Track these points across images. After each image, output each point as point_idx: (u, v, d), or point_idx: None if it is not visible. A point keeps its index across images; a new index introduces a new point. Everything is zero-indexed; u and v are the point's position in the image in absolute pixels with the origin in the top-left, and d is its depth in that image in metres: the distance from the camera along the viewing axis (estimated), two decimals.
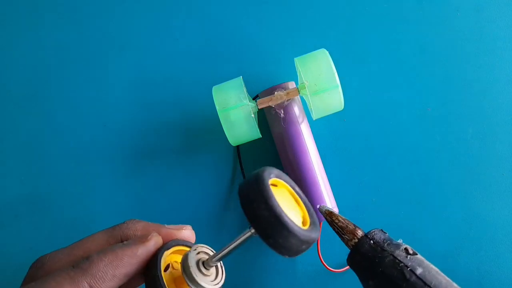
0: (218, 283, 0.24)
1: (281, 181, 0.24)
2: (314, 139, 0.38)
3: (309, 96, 0.34)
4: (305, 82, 0.34)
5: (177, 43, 0.42)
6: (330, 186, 0.38)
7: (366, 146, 0.40)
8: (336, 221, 0.29)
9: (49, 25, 0.43)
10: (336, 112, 0.37)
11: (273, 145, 0.39)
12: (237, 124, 0.35)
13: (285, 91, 0.36)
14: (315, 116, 0.36)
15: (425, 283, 0.24)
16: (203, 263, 0.24)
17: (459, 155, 0.40)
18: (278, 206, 0.20)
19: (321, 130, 0.41)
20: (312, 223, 0.23)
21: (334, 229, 0.29)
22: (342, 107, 0.36)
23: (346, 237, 0.28)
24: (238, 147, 0.40)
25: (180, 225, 0.27)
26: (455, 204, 0.40)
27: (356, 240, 0.27)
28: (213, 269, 0.25)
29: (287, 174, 0.38)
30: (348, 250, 0.28)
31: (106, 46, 0.43)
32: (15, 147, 0.42)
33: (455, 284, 0.24)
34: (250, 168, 0.40)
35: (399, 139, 0.40)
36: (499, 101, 0.40)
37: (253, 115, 0.34)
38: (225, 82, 0.36)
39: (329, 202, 0.37)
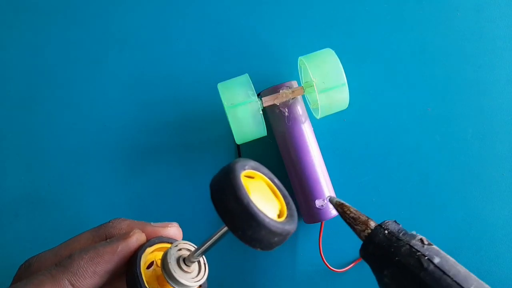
0: (199, 280, 0.24)
1: (258, 173, 0.23)
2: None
3: (317, 93, 0.34)
4: (314, 80, 0.34)
5: (178, 42, 0.42)
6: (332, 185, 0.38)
7: (366, 146, 0.40)
8: (348, 212, 0.28)
9: (49, 25, 0.43)
10: (337, 112, 0.37)
11: (274, 145, 0.39)
12: (245, 121, 0.34)
13: (290, 89, 0.36)
14: (320, 114, 0.36)
15: (444, 272, 0.23)
16: (184, 259, 0.24)
17: (459, 155, 0.40)
18: (247, 196, 0.19)
19: (321, 130, 0.41)
20: (289, 216, 0.22)
21: (345, 220, 0.28)
22: (347, 105, 0.36)
23: (359, 227, 0.27)
24: (239, 147, 0.40)
25: (166, 223, 0.27)
26: (455, 204, 0.40)
27: (369, 231, 0.26)
28: (195, 265, 0.24)
29: (290, 172, 0.38)
30: (357, 244, 0.27)
31: (106, 45, 0.43)
32: (15, 147, 0.42)
33: (473, 275, 0.24)
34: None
35: (399, 139, 0.40)
36: (499, 101, 0.40)
37: (261, 112, 0.34)
38: (230, 79, 0.36)
39: None
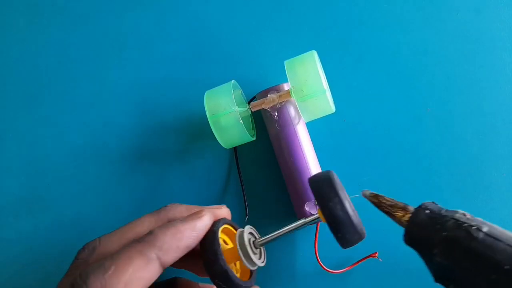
0: (262, 262, 0.28)
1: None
2: (313, 139, 0.38)
3: (296, 101, 0.34)
4: (292, 88, 0.34)
5: (175, 45, 0.42)
6: None
7: (366, 146, 0.40)
8: (384, 201, 0.28)
9: (49, 25, 0.43)
10: (336, 113, 0.37)
11: (271, 145, 0.39)
12: (227, 129, 0.35)
13: (277, 94, 0.36)
14: (306, 119, 0.36)
15: (495, 238, 0.22)
16: (253, 242, 0.28)
17: (459, 155, 0.40)
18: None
19: (320, 130, 0.41)
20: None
21: (383, 210, 0.28)
22: (333, 110, 0.35)
23: (398, 214, 0.27)
24: (235, 148, 0.40)
25: (218, 205, 0.29)
26: (455, 204, 0.40)
27: (410, 215, 0.26)
28: (259, 249, 0.28)
29: (284, 175, 0.38)
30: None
31: (105, 47, 0.43)
32: (15, 147, 0.42)
33: None
34: (247, 169, 0.40)
35: (399, 139, 0.40)
36: (499, 101, 0.40)
37: (241, 121, 0.34)
38: (217, 87, 0.36)
39: None
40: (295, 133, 0.37)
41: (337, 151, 0.40)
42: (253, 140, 0.37)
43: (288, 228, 0.28)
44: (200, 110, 0.41)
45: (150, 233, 0.25)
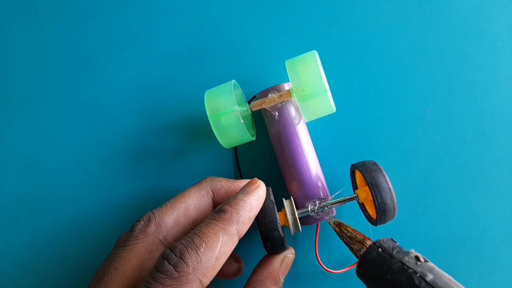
0: (300, 231, 0.33)
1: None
2: (313, 139, 0.38)
3: (297, 101, 0.34)
4: (293, 88, 0.34)
5: (174, 45, 0.42)
6: (328, 187, 0.38)
7: (365, 146, 0.40)
8: (345, 231, 0.29)
9: (49, 25, 0.43)
10: (336, 113, 0.37)
11: (271, 145, 0.39)
12: (228, 129, 0.35)
13: (278, 94, 0.36)
14: (306, 119, 0.36)
15: None
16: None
17: (459, 155, 0.40)
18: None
19: (320, 130, 0.41)
20: None
21: (343, 240, 0.29)
22: (334, 110, 0.35)
23: (355, 247, 0.28)
24: (235, 148, 0.40)
25: (254, 179, 0.32)
26: (455, 204, 0.40)
27: (365, 249, 0.27)
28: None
29: (284, 175, 0.38)
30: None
31: (105, 46, 0.43)
32: (15, 147, 0.42)
33: None
34: (247, 168, 0.40)
35: (399, 139, 0.40)
36: (499, 101, 0.40)
37: (242, 121, 0.34)
38: (217, 87, 0.36)
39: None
40: (295, 132, 0.37)
41: (337, 151, 0.41)
42: (253, 140, 0.37)
43: (330, 203, 0.34)
44: (200, 109, 0.41)
45: (223, 210, 0.27)
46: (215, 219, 0.27)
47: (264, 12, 0.42)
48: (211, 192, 0.32)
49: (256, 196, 0.29)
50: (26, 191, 0.41)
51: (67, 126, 0.42)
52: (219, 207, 0.28)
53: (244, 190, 0.29)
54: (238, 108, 0.34)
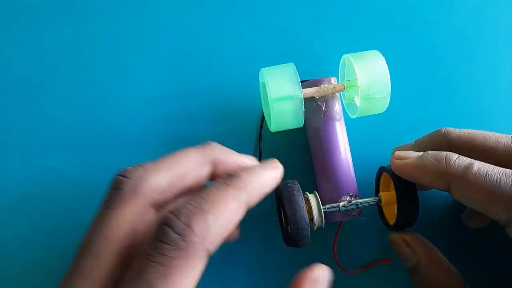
0: (324, 225, 0.33)
1: None
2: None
3: (360, 98, 0.34)
4: (360, 85, 0.34)
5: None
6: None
7: (366, 146, 0.40)
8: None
9: (49, 25, 0.43)
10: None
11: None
12: (286, 114, 0.33)
13: (332, 85, 0.35)
14: (357, 115, 0.36)
15: None
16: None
17: None
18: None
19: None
20: None
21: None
22: (384, 110, 0.36)
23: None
24: (260, 133, 0.39)
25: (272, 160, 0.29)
26: (455, 204, 0.40)
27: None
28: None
29: (316, 168, 0.37)
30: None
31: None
32: (15, 147, 0.42)
33: None
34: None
35: (398, 139, 0.40)
36: (499, 101, 0.41)
37: (303, 109, 0.33)
38: (275, 67, 0.35)
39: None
40: (336, 129, 0.36)
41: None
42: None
43: (362, 201, 0.34)
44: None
45: (238, 176, 0.25)
46: (226, 183, 0.24)
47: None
48: (212, 159, 0.27)
49: (274, 173, 0.27)
50: (26, 191, 0.41)
51: (67, 125, 0.42)
52: (232, 172, 0.25)
53: (265, 165, 0.27)
54: (302, 94, 0.33)
